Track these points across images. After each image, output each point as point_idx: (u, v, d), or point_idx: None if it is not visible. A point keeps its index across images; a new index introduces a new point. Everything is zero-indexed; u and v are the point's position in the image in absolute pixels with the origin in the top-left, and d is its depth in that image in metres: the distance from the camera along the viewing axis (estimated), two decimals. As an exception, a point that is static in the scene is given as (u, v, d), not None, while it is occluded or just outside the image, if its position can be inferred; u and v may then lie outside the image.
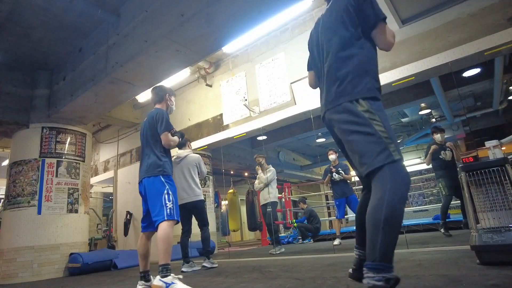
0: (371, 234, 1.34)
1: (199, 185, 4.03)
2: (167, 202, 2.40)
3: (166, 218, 2.35)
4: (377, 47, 1.65)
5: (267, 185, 5.15)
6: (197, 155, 4.18)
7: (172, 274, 2.24)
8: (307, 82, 2.00)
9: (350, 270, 1.69)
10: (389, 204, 1.32)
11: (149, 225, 2.54)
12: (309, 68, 1.92)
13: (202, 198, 4.02)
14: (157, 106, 2.82)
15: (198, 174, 4.04)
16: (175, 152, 3.86)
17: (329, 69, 1.64)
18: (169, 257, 2.30)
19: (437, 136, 4.41)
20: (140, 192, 2.59)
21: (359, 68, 1.55)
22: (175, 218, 2.40)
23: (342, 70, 1.57)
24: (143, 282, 2.52)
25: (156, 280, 2.21)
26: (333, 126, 1.62)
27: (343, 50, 1.59)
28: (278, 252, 4.88)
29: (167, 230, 2.33)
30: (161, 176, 2.49)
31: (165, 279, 2.19)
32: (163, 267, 2.25)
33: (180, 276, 2.30)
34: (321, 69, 1.72)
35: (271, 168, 5.29)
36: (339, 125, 1.55)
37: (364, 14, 1.56)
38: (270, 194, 5.14)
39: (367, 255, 1.34)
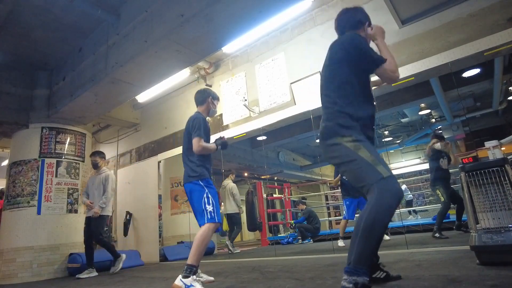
0: (352, 238, 1.48)
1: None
2: (207, 206, 2.45)
3: (206, 222, 2.41)
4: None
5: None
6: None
7: (193, 276, 2.23)
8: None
9: None
10: (370, 214, 1.44)
11: None
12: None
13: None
14: (199, 108, 2.85)
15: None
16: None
17: (321, 101, 1.83)
18: (198, 259, 2.31)
19: (437, 145, 4.44)
20: (188, 195, 2.66)
21: (344, 107, 1.69)
22: (216, 220, 2.44)
23: (330, 107, 1.74)
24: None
25: (177, 280, 2.22)
26: (325, 156, 1.78)
27: (332, 88, 1.76)
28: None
29: (206, 233, 2.37)
30: (199, 181, 2.54)
31: (185, 280, 2.19)
32: (188, 266, 2.26)
33: (202, 279, 2.31)
34: (321, 100, 1.89)
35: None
36: (331, 159, 1.74)
37: (359, 60, 1.71)
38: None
39: (347, 258, 1.48)
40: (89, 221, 4.53)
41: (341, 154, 1.65)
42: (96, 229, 4.48)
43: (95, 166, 4.83)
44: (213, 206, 2.46)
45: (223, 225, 7.38)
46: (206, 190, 2.51)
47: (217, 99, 2.95)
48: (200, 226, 2.43)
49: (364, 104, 1.75)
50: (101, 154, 4.93)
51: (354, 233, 1.47)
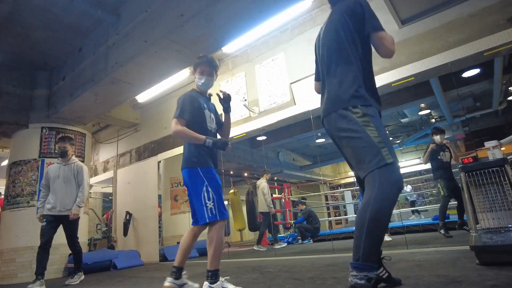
0: (356, 233, 1.40)
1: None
2: (207, 201, 2.08)
3: (208, 221, 2.07)
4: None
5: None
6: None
7: (221, 279, 2.07)
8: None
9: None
10: (374, 206, 1.36)
11: (197, 220, 2.21)
12: (316, 78, 1.96)
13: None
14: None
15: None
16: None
17: (325, 77, 1.70)
18: (218, 262, 2.06)
19: (437, 138, 4.43)
20: (184, 183, 2.28)
21: (352, 76, 1.58)
22: (218, 217, 2.07)
23: (336, 77, 1.62)
24: (171, 279, 2.21)
25: (205, 287, 2.02)
26: (330, 131, 1.68)
27: (337, 58, 1.64)
28: None
29: (218, 233, 2.07)
30: (198, 169, 2.14)
31: (214, 285, 2.00)
32: (212, 273, 2.03)
33: (227, 277, 2.16)
34: (321, 76, 1.79)
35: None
36: (335, 132, 1.61)
37: (362, 23, 1.60)
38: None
39: (353, 253, 1.40)
40: (60, 220, 3.88)
41: (347, 128, 1.52)
42: (73, 233, 3.95)
43: (63, 154, 3.99)
44: (214, 201, 2.08)
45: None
46: (206, 182, 2.11)
47: (203, 64, 2.47)
48: (200, 224, 2.13)
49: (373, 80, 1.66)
50: (71, 140, 4.14)
51: (359, 227, 1.38)
